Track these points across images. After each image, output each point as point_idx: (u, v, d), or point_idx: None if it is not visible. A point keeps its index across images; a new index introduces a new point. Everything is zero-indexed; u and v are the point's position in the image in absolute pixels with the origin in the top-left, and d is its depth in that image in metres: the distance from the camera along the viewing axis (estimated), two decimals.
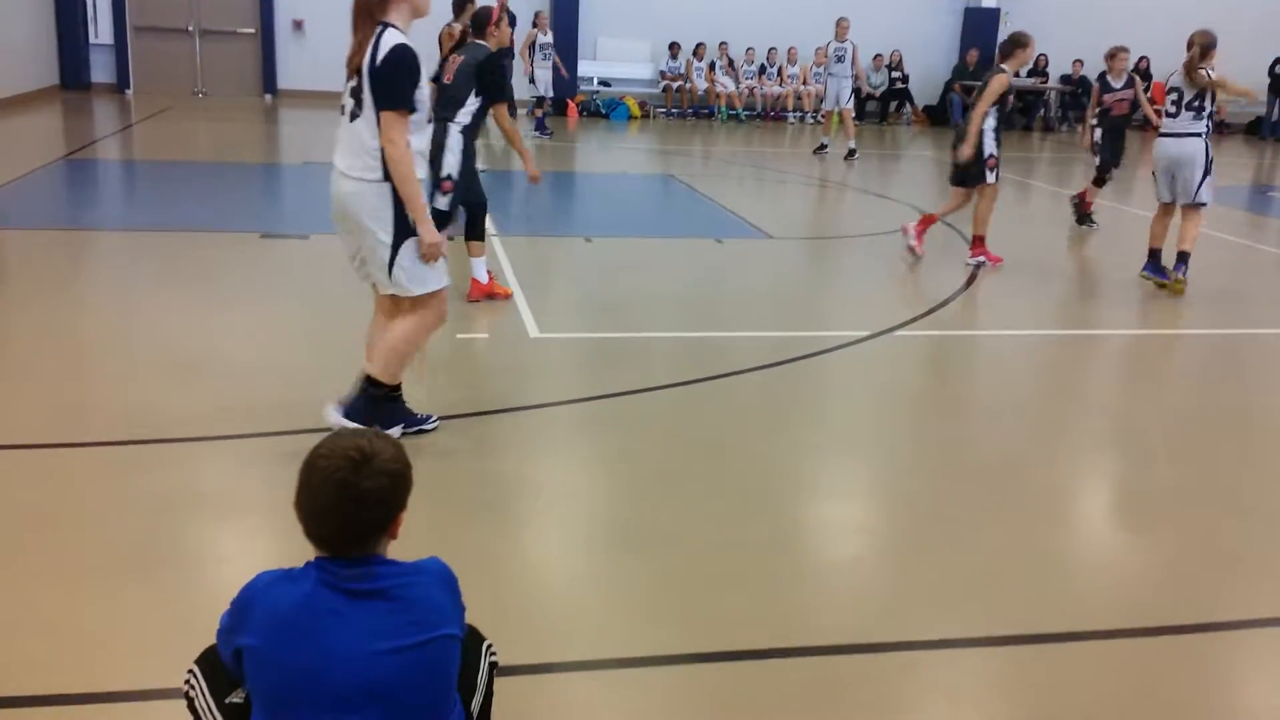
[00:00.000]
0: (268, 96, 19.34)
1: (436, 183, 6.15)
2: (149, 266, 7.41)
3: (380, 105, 3.96)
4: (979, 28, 21.47)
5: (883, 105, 21.49)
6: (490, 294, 6.81)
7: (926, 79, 21.63)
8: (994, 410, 5.44)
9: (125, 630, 3.07)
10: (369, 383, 4.39)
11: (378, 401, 4.39)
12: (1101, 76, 10.42)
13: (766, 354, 5.94)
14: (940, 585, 3.58)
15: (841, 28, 15.26)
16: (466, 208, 6.59)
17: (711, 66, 20.49)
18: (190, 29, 19.21)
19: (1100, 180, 10.52)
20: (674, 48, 20.27)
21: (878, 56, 20.98)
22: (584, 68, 19.82)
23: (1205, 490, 4.51)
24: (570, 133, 17.67)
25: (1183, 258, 7.75)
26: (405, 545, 2.16)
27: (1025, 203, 13.18)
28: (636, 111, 19.88)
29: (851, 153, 15.17)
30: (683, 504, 4.09)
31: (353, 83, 4.01)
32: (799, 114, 20.70)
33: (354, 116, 4.04)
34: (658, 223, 10.56)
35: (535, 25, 16.99)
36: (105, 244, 8.16)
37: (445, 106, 6.24)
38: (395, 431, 4.30)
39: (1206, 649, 3.31)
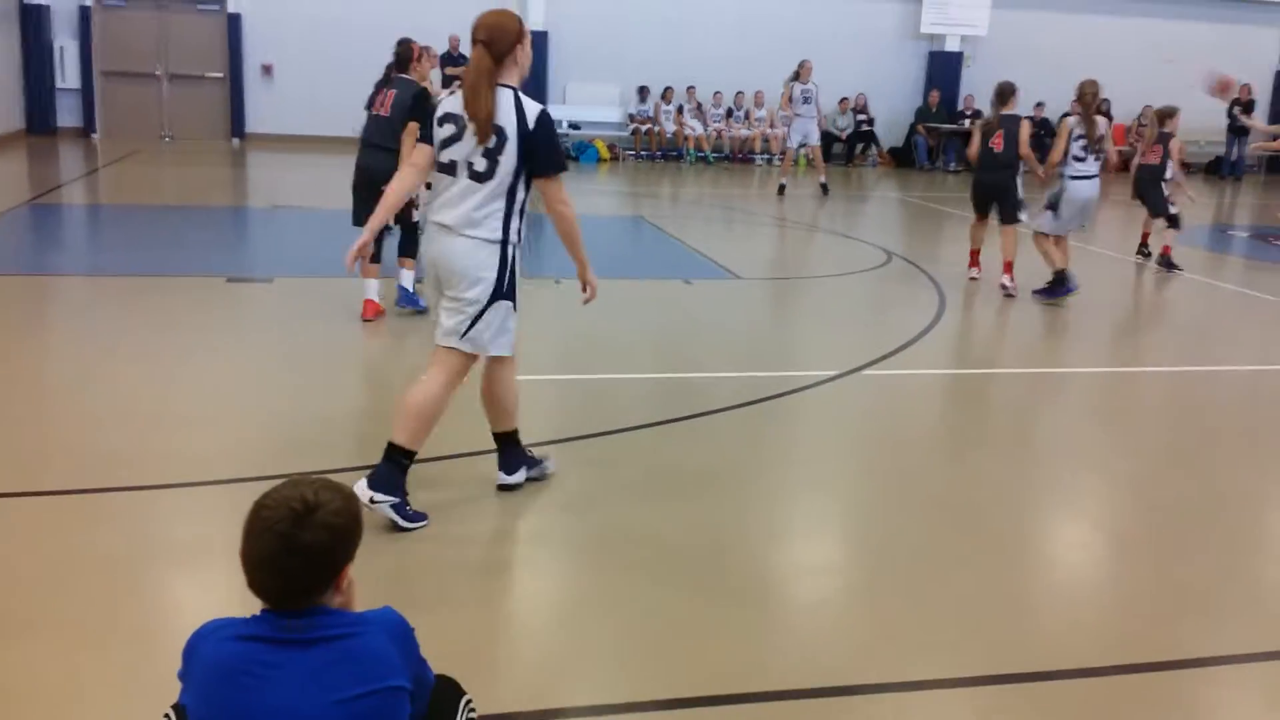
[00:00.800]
0: (235, 140, 19.32)
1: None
2: (113, 311, 7.34)
3: (545, 172, 4.03)
4: (942, 71, 21.81)
5: (849, 147, 21.73)
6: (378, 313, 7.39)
7: (892, 121, 21.92)
8: (961, 449, 5.46)
9: (88, 687, 3.00)
10: (501, 438, 4.47)
11: (512, 443, 4.49)
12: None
13: (735, 394, 5.94)
14: (910, 627, 3.57)
15: (806, 69, 15.54)
16: (401, 225, 7.33)
17: (680, 110, 20.67)
18: (158, 73, 19.20)
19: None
20: (642, 91, 20.46)
21: (844, 100, 21.24)
22: (553, 111, 19.88)
23: (1170, 527, 4.53)
24: None
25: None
26: (378, 594, 2.13)
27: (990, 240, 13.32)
28: (605, 154, 20.01)
29: (824, 187, 15.76)
30: (654, 547, 4.06)
31: (488, 144, 3.92)
32: (766, 156, 20.90)
33: (482, 178, 3.96)
34: (627, 264, 10.58)
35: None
36: (69, 289, 8.09)
37: (387, 137, 7.02)
38: (519, 476, 4.49)
39: (1176, 686, 3.31)
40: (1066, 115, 10.43)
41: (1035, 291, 8.85)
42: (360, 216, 6.81)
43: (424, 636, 2.18)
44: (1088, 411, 6.30)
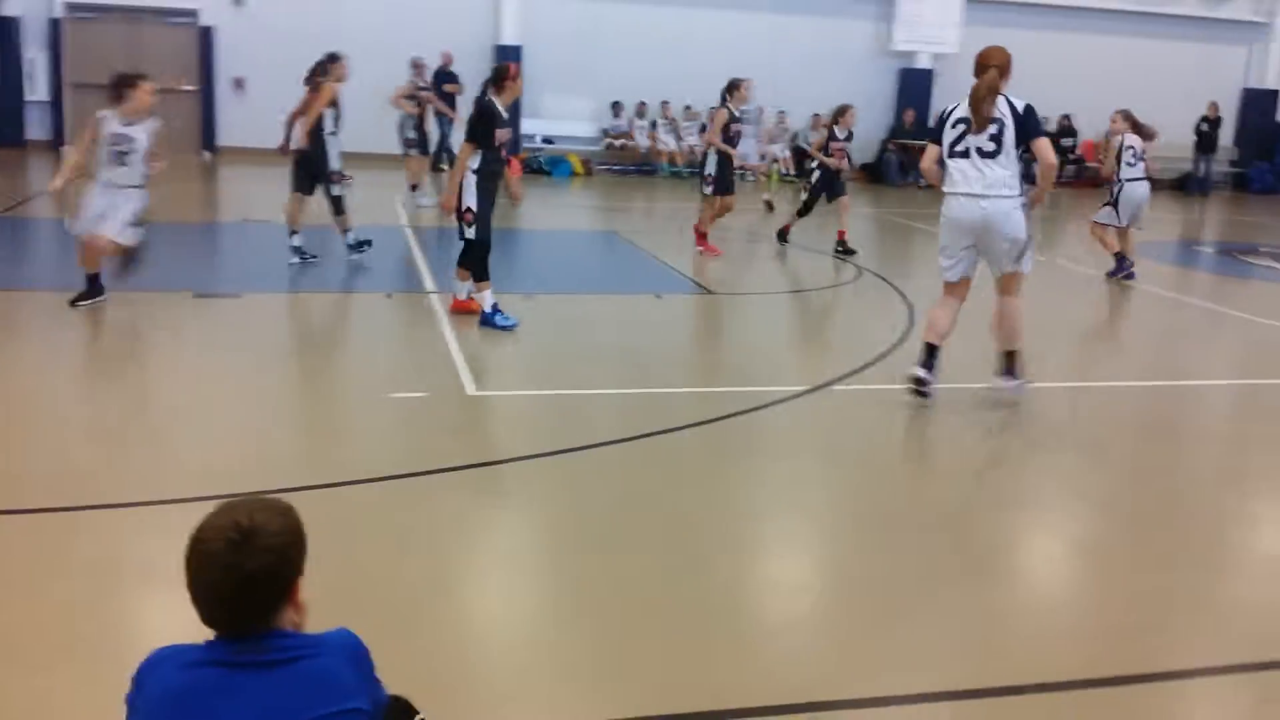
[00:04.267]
0: (207, 154, 19.21)
1: (459, 214, 7.41)
2: (80, 327, 7.27)
3: (1036, 136, 5.92)
4: (914, 88, 21.98)
5: None
6: (469, 310, 7.69)
7: (864, 138, 22.02)
8: (929, 465, 5.48)
9: (55, 708, 2.96)
10: (1008, 356, 6.22)
11: (1014, 359, 6.27)
12: (830, 127, 12.04)
13: (706, 410, 5.95)
14: (881, 643, 3.57)
15: (744, 89, 15.48)
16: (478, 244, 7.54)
17: (654, 125, 20.72)
18: None
19: (803, 212, 12.06)
20: (616, 106, 20.49)
21: (816, 115, 21.34)
22: (527, 125, 19.94)
23: (1139, 541, 4.56)
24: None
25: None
26: (339, 607, 2.10)
27: None
28: (579, 169, 20.02)
29: (769, 205, 16.22)
30: (622, 564, 4.05)
31: (990, 130, 5.84)
32: (740, 172, 20.95)
33: (993, 155, 5.85)
34: (598, 279, 10.59)
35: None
36: (35, 304, 8.00)
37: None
38: (1012, 383, 6.23)
39: (1146, 699, 3.33)
40: (1109, 134, 11.82)
41: (1109, 273, 10.74)
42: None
43: (379, 655, 2.16)
44: (1056, 426, 6.33)
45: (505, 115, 7.47)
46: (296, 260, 9.64)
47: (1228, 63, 22.92)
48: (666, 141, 20.70)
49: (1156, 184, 22.09)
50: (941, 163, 6.10)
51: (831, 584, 4.11)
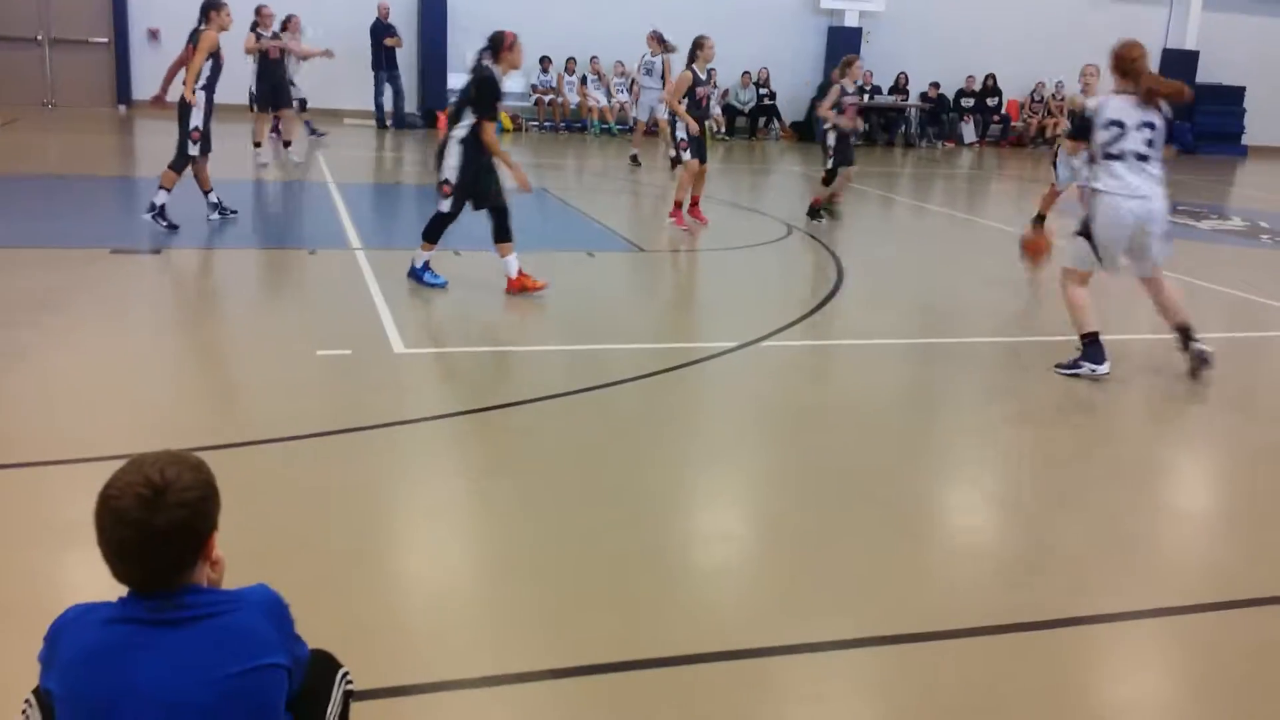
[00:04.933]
0: (121, 108, 18.64)
1: (438, 186, 7.24)
2: None
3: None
4: (842, 46, 22.00)
5: (751, 121, 21.87)
6: (523, 288, 7.33)
7: (793, 96, 22.10)
8: (856, 419, 5.55)
9: None
10: (1186, 331, 6.18)
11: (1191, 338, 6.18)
12: (839, 82, 11.18)
13: (638, 366, 5.95)
14: (806, 591, 3.63)
15: (650, 41, 14.93)
16: (493, 212, 7.27)
17: (583, 80, 20.55)
18: (39, 38, 18.41)
19: (827, 181, 11.38)
20: (545, 61, 20.26)
21: (745, 74, 21.36)
22: (453, 80, 19.64)
23: (1052, 491, 4.68)
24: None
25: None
26: (262, 565, 2.07)
27: (888, 215, 13.55)
28: (509, 125, 19.79)
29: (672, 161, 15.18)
30: (552, 517, 4.05)
31: (1150, 133, 6.00)
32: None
33: (1149, 158, 6.01)
34: (529, 236, 10.45)
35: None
36: None
37: (450, 121, 7.26)
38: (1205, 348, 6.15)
39: (1058, 644, 3.42)
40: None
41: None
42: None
43: (303, 614, 2.14)
44: (980, 379, 6.44)
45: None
46: (216, 216, 9.43)
47: (1148, 23, 23.33)
48: (597, 98, 20.55)
49: None
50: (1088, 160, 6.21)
51: (756, 534, 4.16)
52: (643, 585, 3.58)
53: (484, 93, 7.12)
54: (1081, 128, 6.20)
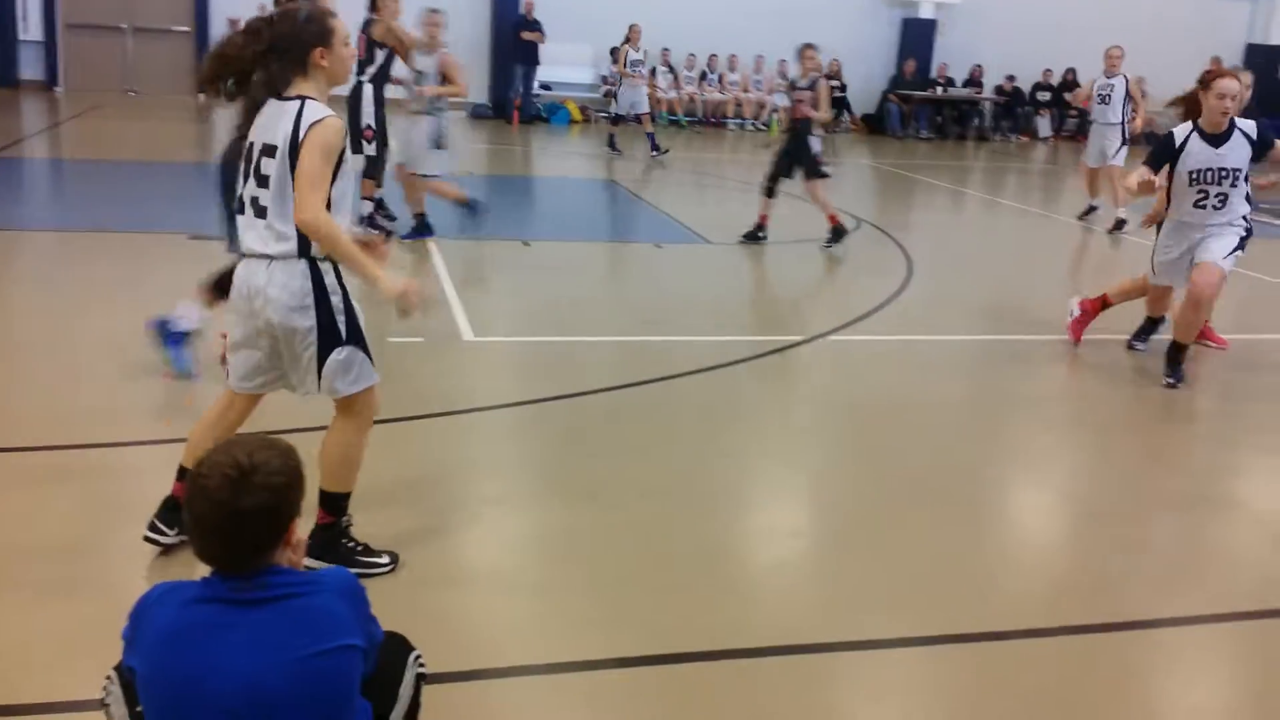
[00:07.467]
0: (201, 95, 19.02)
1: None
2: (74, 267, 7.26)
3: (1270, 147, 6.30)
4: (916, 39, 21.77)
5: None
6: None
7: (865, 88, 21.87)
8: (924, 415, 5.51)
9: (46, 641, 3.00)
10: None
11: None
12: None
13: (703, 358, 5.96)
14: (869, 588, 3.62)
15: (634, 33, 15.95)
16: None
17: (653, 72, 20.53)
18: (124, 26, 18.85)
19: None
20: (615, 52, 20.27)
21: (834, 60, 21.16)
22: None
23: (1130, 493, 4.61)
24: (511, 136, 17.61)
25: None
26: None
27: (959, 209, 13.39)
28: (578, 116, 19.87)
29: (658, 150, 15.28)
30: (618, 508, 4.09)
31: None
32: (739, 120, 20.84)
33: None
34: (597, 227, 10.56)
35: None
36: (30, 245, 7.98)
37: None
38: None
39: (1126, 647, 3.38)
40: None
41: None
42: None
43: (370, 595, 2.19)
44: (1051, 377, 6.35)
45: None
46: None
47: (1231, 18, 22.72)
48: (665, 90, 20.54)
49: (1150, 139, 22.10)
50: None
51: (823, 529, 4.16)
52: (708, 578, 3.60)
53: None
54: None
